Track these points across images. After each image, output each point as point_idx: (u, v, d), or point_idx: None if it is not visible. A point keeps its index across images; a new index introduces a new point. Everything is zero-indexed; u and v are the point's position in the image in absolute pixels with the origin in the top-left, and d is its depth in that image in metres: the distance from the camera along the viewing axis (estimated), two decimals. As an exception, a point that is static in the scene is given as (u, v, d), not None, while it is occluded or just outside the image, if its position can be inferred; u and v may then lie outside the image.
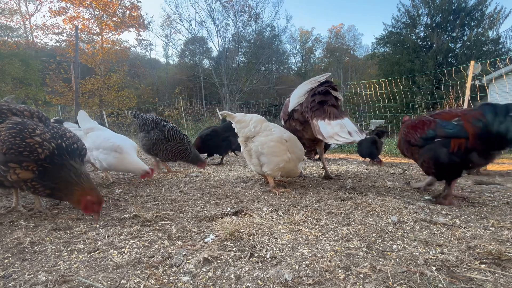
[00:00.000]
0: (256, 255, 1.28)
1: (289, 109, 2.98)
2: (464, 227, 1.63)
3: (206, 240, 1.45)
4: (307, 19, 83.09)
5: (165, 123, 3.71)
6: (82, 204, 1.72)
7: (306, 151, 3.54)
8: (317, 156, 5.84)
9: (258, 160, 2.62)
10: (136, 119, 3.80)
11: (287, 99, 3.17)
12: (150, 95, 31.70)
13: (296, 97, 2.89)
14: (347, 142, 2.33)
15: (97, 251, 1.33)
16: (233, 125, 2.73)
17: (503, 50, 24.08)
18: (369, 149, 4.75)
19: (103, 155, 2.94)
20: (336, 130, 2.36)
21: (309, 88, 2.82)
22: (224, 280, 1.08)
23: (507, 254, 1.25)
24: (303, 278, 1.08)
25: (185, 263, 1.21)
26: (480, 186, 2.91)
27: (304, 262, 1.20)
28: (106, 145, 2.95)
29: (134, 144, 3.21)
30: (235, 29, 35.51)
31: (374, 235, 1.52)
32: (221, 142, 4.76)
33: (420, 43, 26.34)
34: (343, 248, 1.35)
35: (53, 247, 1.38)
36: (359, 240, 1.45)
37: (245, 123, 2.63)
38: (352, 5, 75.54)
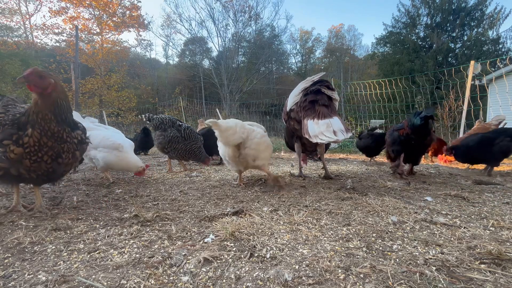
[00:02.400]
0: (256, 255, 1.28)
1: (287, 109, 3.00)
2: (464, 227, 1.63)
3: (206, 240, 1.45)
4: (307, 19, 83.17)
5: (180, 123, 3.84)
6: None
7: (308, 151, 3.58)
8: (317, 156, 5.86)
9: (251, 161, 2.65)
10: (151, 122, 3.87)
11: (287, 99, 3.19)
12: (150, 95, 31.70)
13: (292, 97, 2.92)
14: (330, 141, 2.37)
15: (97, 251, 1.33)
16: (217, 134, 2.54)
17: (503, 50, 24.07)
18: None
19: (103, 154, 2.94)
20: (322, 129, 2.38)
21: (303, 88, 2.83)
22: (224, 280, 1.08)
23: (507, 254, 1.25)
24: (303, 278, 1.08)
25: (185, 263, 1.21)
26: (480, 186, 2.91)
27: (304, 262, 1.20)
28: (106, 143, 2.95)
29: (131, 142, 3.23)
30: (235, 29, 35.54)
31: (374, 235, 1.52)
32: (216, 141, 4.80)
33: (420, 43, 26.32)
34: (343, 248, 1.35)
35: (53, 247, 1.38)
36: (359, 240, 1.45)
37: (233, 129, 2.50)
38: (352, 5, 75.57)
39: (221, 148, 2.81)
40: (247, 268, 1.17)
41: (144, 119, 3.93)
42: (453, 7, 24.23)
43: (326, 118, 2.46)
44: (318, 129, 2.39)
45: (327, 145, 5.51)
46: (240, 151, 2.60)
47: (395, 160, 3.57)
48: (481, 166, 4.77)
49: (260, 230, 1.57)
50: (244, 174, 3.46)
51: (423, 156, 3.89)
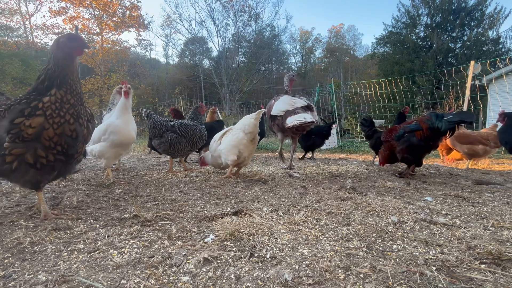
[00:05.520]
0: (256, 255, 1.28)
1: (270, 113, 3.80)
2: (464, 227, 1.63)
3: (206, 240, 1.45)
4: (307, 19, 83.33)
5: (171, 123, 3.76)
6: None
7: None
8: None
9: (252, 151, 3.40)
10: (147, 120, 3.81)
11: (272, 100, 3.93)
12: (150, 95, 31.67)
13: (277, 110, 3.68)
14: (301, 123, 3.28)
15: (97, 251, 1.33)
16: (251, 123, 3.20)
17: (503, 50, 24.08)
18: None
19: (110, 139, 3.07)
20: (295, 117, 3.36)
21: (286, 109, 3.58)
22: (224, 280, 1.08)
23: (507, 254, 1.25)
24: (303, 278, 1.08)
25: (185, 263, 1.21)
26: (480, 186, 2.91)
27: (304, 262, 1.20)
28: (102, 128, 3.14)
29: (114, 117, 3.37)
30: (235, 29, 35.62)
31: (374, 235, 1.52)
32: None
33: (420, 43, 26.33)
34: (343, 248, 1.35)
35: (53, 247, 1.38)
36: (359, 240, 1.45)
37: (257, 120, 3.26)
38: (352, 5, 75.70)
39: (236, 140, 3.24)
40: (247, 268, 1.17)
41: (143, 114, 3.90)
42: (453, 7, 24.23)
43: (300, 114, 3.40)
44: (292, 119, 3.39)
45: (319, 144, 5.91)
46: (252, 141, 3.30)
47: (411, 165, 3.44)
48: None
49: (260, 230, 1.57)
50: (241, 172, 3.76)
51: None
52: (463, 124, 3.31)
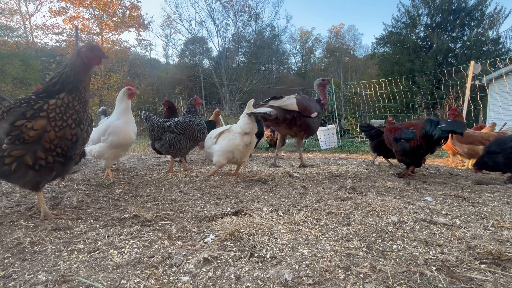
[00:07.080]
0: (256, 255, 1.28)
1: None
2: (464, 227, 1.63)
3: (206, 240, 1.45)
4: (307, 19, 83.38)
5: (167, 123, 3.73)
6: None
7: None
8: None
9: (249, 151, 3.42)
10: (146, 121, 3.80)
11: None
12: (150, 95, 31.65)
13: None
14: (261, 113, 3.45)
15: (97, 251, 1.33)
16: (250, 122, 3.25)
17: (503, 50, 24.06)
18: None
19: (108, 139, 3.07)
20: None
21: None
22: (224, 280, 1.08)
23: (507, 254, 1.25)
24: (303, 278, 1.08)
25: (185, 263, 1.21)
26: (480, 186, 2.91)
27: (304, 262, 1.20)
28: (102, 129, 3.16)
29: (110, 117, 3.38)
30: (235, 29, 35.65)
31: (374, 235, 1.52)
32: None
33: (420, 43, 26.32)
34: (343, 248, 1.35)
35: (53, 247, 1.38)
36: (359, 240, 1.45)
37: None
38: (352, 5, 75.67)
39: (233, 145, 3.25)
40: (247, 268, 1.17)
41: (142, 117, 3.89)
42: (453, 7, 24.22)
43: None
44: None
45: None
46: (248, 145, 3.32)
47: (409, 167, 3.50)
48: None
49: (260, 230, 1.57)
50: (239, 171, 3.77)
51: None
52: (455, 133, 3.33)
